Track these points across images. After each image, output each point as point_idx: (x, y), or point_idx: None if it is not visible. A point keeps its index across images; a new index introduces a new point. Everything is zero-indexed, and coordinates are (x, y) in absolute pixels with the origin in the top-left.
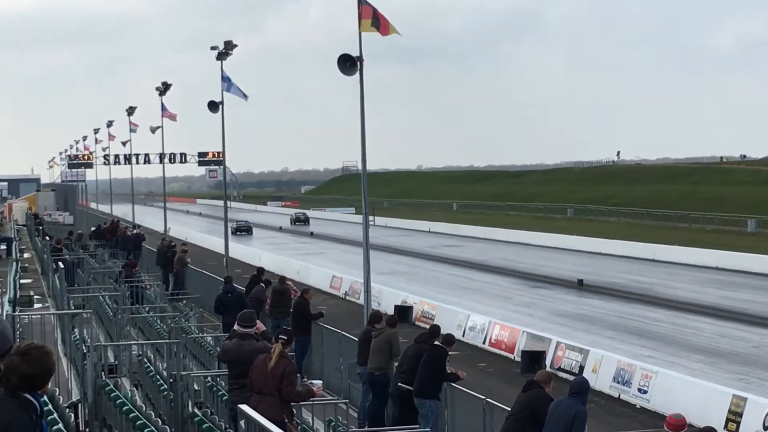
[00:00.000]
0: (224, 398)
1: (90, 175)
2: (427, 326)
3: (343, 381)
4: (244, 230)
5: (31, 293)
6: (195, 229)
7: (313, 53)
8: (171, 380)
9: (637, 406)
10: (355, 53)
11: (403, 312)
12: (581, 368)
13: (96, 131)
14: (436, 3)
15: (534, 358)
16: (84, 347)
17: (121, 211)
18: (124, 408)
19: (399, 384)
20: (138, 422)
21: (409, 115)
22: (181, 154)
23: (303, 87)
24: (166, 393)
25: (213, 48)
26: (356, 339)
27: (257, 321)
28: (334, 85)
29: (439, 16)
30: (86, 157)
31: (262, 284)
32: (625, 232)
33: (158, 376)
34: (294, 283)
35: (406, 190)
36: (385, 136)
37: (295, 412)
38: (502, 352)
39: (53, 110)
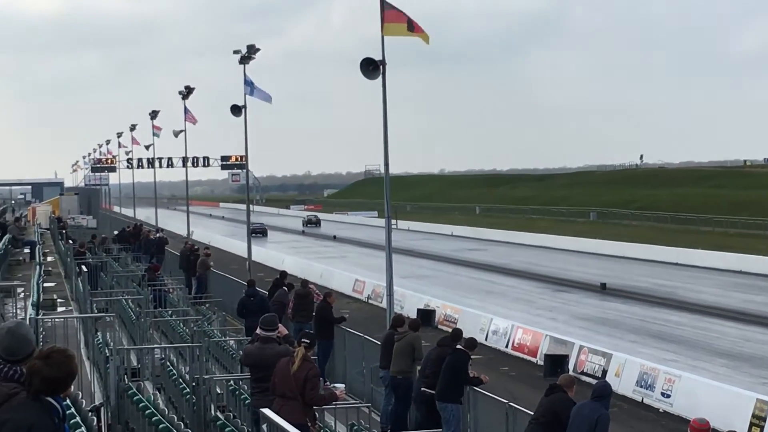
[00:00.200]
0: (247, 402)
1: (113, 178)
2: (450, 330)
3: (366, 385)
4: (258, 232)
5: (55, 297)
6: (218, 232)
7: (335, 57)
8: (194, 384)
9: (661, 410)
10: (377, 57)
11: (426, 315)
12: (604, 372)
13: (119, 135)
14: (458, 7)
15: (557, 362)
16: (107, 350)
17: (144, 214)
18: (147, 411)
19: (422, 389)
20: (161, 426)
21: (432, 119)
22: (204, 158)
23: (326, 91)
24: (188, 396)
25: (236, 52)
26: (379, 343)
27: (279, 324)
28: (356, 89)
29: (461, 20)
30: (109, 161)
31: (284, 288)
32: (648, 235)
33: (181, 380)
34: (316, 287)
35: (429, 194)
36: (408, 140)
37: (317, 415)
38: (525, 356)
39: (77, 114)
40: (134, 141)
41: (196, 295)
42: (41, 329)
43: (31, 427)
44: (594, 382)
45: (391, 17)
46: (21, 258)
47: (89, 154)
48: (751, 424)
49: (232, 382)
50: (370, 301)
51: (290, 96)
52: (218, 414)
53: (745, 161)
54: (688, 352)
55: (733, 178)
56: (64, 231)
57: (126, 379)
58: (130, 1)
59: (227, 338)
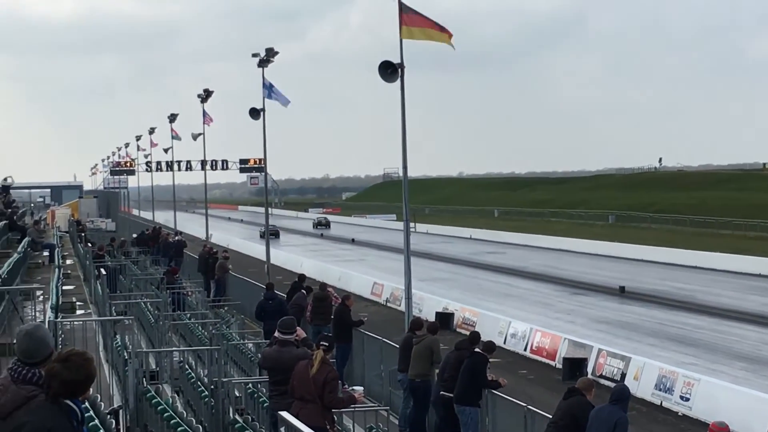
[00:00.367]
0: (265, 405)
1: (132, 182)
2: (468, 333)
3: (384, 388)
4: (271, 234)
5: (74, 299)
6: (236, 235)
7: (355, 60)
8: (212, 387)
9: (680, 414)
10: (396, 60)
11: (445, 319)
12: (623, 375)
13: (138, 138)
14: (478, 9)
15: (575, 366)
16: (125, 353)
17: (162, 217)
18: (165, 414)
19: (441, 393)
20: (179, 429)
21: (450, 122)
22: (222, 161)
23: (344, 94)
24: (207, 399)
25: (254, 55)
26: (397, 346)
27: (297, 327)
28: (375, 92)
29: (480, 23)
30: (128, 164)
31: (303, 291)
32: (666, 238)
33: (199, 383)
34: (335, 290)
35: (447, 197)
36: (427, 143)
37: (335, 418)
38: (544, 359)
39: (96, 117)
40: (153, 144)
41: (215, 298)
42: (60, 332)
43: (50, 430)
44: (613, 385)
45: (411, 20)
46: (40, 261)
47: (108, 157)
48: None
49: (250, 385)
50: (388, 304)
51: (309, 99)
52: (237, 417)
53: (764, 164)
54: (707, 356)
55: (752, 180)
56: (83, 234)
57: (144, 382)
58: (149, 5)
59: (246, 341)
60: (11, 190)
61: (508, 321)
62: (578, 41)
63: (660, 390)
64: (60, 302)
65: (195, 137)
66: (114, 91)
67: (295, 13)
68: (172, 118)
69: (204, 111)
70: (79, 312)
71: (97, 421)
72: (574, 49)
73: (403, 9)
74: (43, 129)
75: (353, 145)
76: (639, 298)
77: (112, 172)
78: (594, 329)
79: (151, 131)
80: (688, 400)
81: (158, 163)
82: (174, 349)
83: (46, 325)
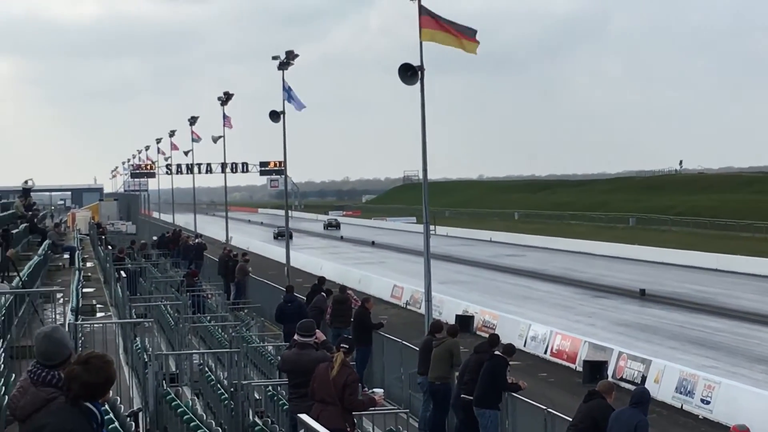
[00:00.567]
0: (285, 407)
1: (152, 184)
2: (488, 336)
3: (404, 390)
4: (283, 235)
5: (94, 302)
6: (256, 238)
7: (374, 62)
8: (232, 389)
9: (700, 417)
10: (416, 62)
11: (465, 321)
12: (643, 378)
13: (158, 141)
14: (497, 12)
15: (596, 369)
16: (145, 356)
17: (183, 220)
18: (185, 417)
19: (461, 395)
20: (199, 431)
21: (471, 125)
22: (242, 164)
23: (364, 96)
24: (226, 402)
25: (275, 58)
26: (417, 348)
27: (317, 330)
28: (395, 95)
29: (500, 25)
30: (149, 167)
31: (323, 293)
32: (687, 241)
33: (219, 385)
34: (355, 293)
35: (468, 200)
36: (447, 146)
37: (355, 421)
38: (564, 362)
39: (116, 120)
40: (173, 147)
41: (235, 301)
42: (80, 335)
43: None
44: (633, 388)
45: (430, 23)
46: (60, 263)
47: (128, 160)
48: None
49: (270, 387)
50: (408, 307)
51: (329, 101)
52: (256, 419)
53: None
54: (728, 359)
55: None
56: (103, 237)
57: (164, 385)
58: (169, 8)
59: (265, 344)
60: (32, 193)
61: (528, 324)
62: (599, 43)
63: (680, 393)
64: (80, 305)
65: (215, 140)
66: (134, 93)
67: (315, 16)
68: (193, 120)
69: (224, 113)
70: (99, 314)
71: (117, 423)
72: (595, 51)
73: (422, 11)
74: (64, 132)
75: (373, 147)
76: (659, 300)
77: (133, 175)
78: (614, 332)
79: (172, 134)
80: (708, 403)
81: (178, 165)
82: (194, 351)
83: (66, 328)
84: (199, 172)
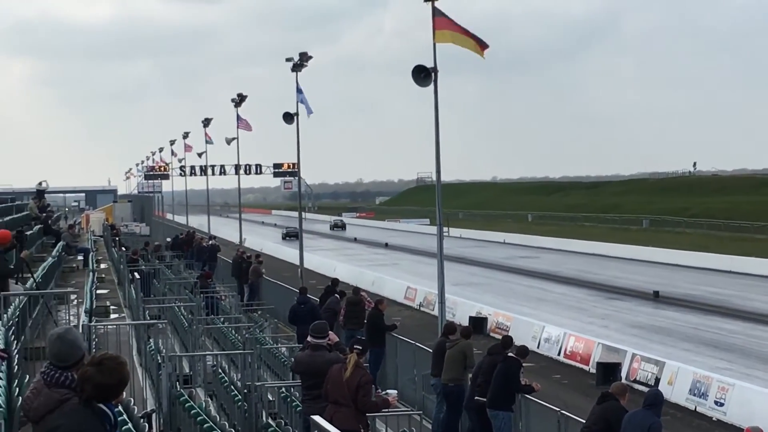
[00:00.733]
0: (298, 409)
1: (166, 186)
2: (501, 338)
3: (417, 392)
4: (292, 236)
5: (108, 303)
6: (270, 240)
7: (387, 64)
8: (245, 391)
9: (714, 419)
10: (429, 64)
11: (478, 323)
12: (657, 380)
13: (172, 143)
14: (511, 13)
15: (609, 370)
16: (159, 357)
17: (196, 222)
18: (199, 418)
19: (475, 397)
20: None
21: (484, 126)
22: (256, 166)
23: (378, 98)
24: (240, 403)
25: (288, 60)
26: (430, 350)
27: (330, 332)
28: (408, 96)
29: (513, 27)
30: (162, 169)
31: (336, 295)
32: (701, 243)
33: (232, 387)
34: (368, 294)
35: (481, 202)
36: (460, 147)
37: (369, 423)
38: (577, 364)
39: (130, 122)
40: (187, 148)
41: (248, 302)
42: (94, 336)
43: None
44: (646, 390)
45: (444, 24)
46: (74, 265)
47: (142, 162)
48: None
49: (283, 389)
50: (421, 309)
51: (343, 103)
52: (269, 421)
53: None
54: (742, 361)
55: None
56: (117, 238)
57: (178, 386)
58: (183, 9)
59: (279, 345)
60: (46, 195)
61: (542, 325)
62: (612, 44)
63: (694, 395)
64: (94, 306)
65: (229, 141)
66: (148, 95)
67: (328, 18)
68: (206, 122)
69: (238, 115)
70: (113, 316)
71: (130, 424)
72: (608, 52)
73: (436, 13)
74: (78, 133)
75: (387, 149)
76: (673, 302)
77: (147, 177)
78: (628, 334)
79: (185, 135)
80: (722, 405)
81: (192, 167)
82: (207, 353)
83: (80, 329)
84: (213, 173)
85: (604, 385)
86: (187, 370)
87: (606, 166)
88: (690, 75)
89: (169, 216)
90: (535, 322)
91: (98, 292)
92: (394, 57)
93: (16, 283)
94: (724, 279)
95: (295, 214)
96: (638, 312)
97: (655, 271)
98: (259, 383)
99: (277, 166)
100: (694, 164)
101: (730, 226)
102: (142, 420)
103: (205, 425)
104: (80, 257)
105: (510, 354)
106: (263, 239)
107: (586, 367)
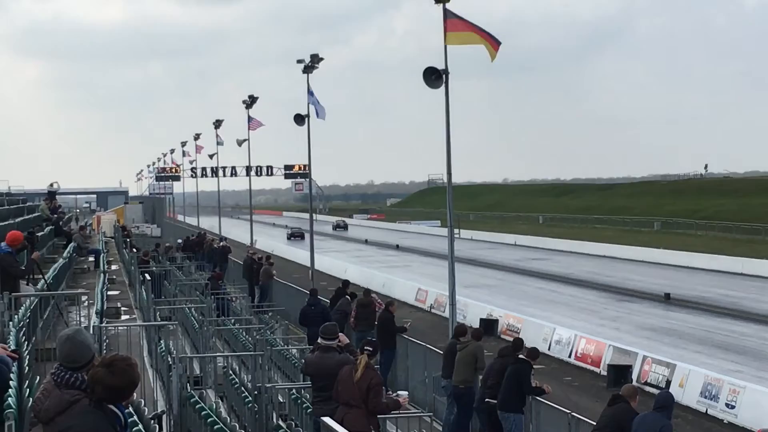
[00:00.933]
0: (309, 410)
1: (177, 187)
2: (512, 340)
3: (428, 394)
4: (297, 236)
5: (119, 305)
6: (281, 241)
7: (398, 66)
8: (256, 392)
9: (725, 422)
10: (440, 66)
11: (489, 325)
12: (668, 383)
13: (183, 144)
14: (523, 16)
15: (620, 373)
16: (170, 359)
17: (207, 223)
18: (209, 420)
19: (486, 399)
20: None
21: (495, 128)
22: (267, 167)
23: (389, 100)
24: (250, 405)
25: (299, 61)
26: (441, 352)
27: (340, 333)
28: (419, 98)
29: (525, 29)
30: (174, 170)
31: (347, 297)
32: (713, 245)
33: (243, 388)
34: (379, 296)
35: (492, 203)
36: (471, 149)
37: (380, 424)
38: (588, 366)
39: (141, 123)
40: (198, 149)
41: (259, 304)
42: (105, 337)
43: None
44: (657, 392)
45: (455, 26)
46: (85, 266)
47: (153, 163)
48: None
49: (294, 390)
50: (432, 311)
51: (354, 105)
52: (280, 422)
53: None
54: (753, 363)
55: None
56: (128, 240)
57: (188, 387)
58: (195, 11)
59: (289, 347)
60: (57, 196)
61: (553, 327)
62: (623, 47)
63: (705, 397)
64: (105, 307)
65: (240, 143)
66: (160, 97)
67: (340, 20)
68: (218, 124)
69: (249, 117)
70: (123, 317)
71: (140, 426)
72: (620, 55)
73: (447, 15)
74: (89, 135)
75: (398, 151)
76: (684, 305)
77: (158, 178)
78: (639, 336)
79: (197, 137)
80: (733, 407)
81: (203, 169)
82: (218, 354)
83: (91, 330)
84: (224, 175)
85: (615, 388)
86: (198, 372)
87: (617, 168)
88: (702, 77)
89: (180, 217)
90: (546, 324)
91: (109, 293)
92: (405, 59)
93: (27, 284)
94: (736, 281)
95: (307, 215)
96: (649, 314)
97: (666, 273)
98: (270, 385)
99: (288, 167)
100: (706, 166)
101: (741, 228)
102: (152, 421)
103: (216, 427)
104: (91, 258)
105: (521, 356)
106: (274, 241)
107: (597, 370)
